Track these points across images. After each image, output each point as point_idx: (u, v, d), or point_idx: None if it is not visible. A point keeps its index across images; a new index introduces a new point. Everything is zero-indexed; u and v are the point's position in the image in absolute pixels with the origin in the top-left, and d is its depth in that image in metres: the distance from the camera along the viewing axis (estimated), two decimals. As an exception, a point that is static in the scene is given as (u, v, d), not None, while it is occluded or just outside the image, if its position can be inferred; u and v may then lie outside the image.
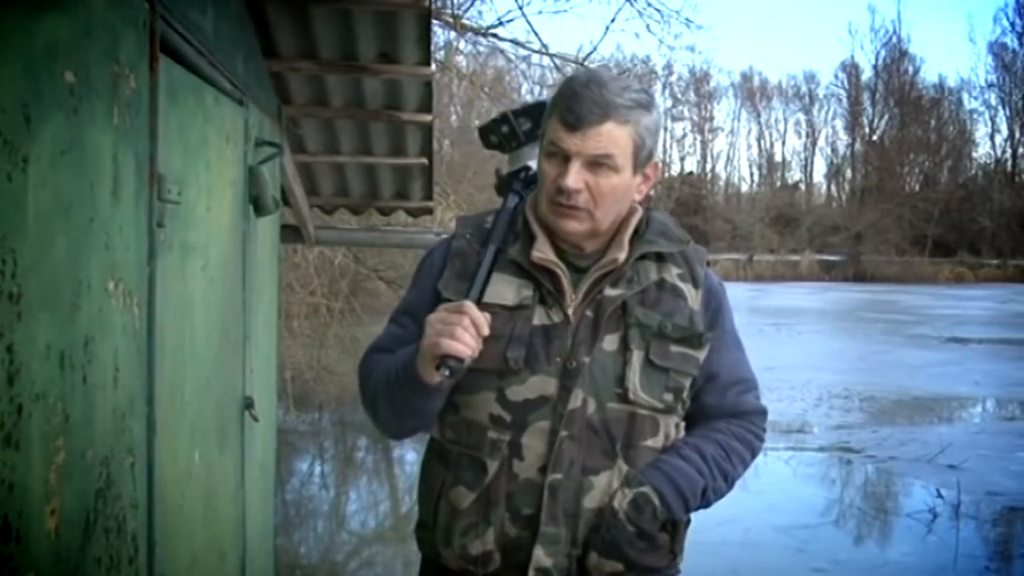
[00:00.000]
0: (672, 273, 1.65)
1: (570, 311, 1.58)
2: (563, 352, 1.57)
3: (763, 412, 1.76)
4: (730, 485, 1.69)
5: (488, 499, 1.57)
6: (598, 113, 1.51)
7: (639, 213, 1.66)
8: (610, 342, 1.59)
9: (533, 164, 1.69)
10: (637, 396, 1.58)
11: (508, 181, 1.70)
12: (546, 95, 1.79)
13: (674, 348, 1.61)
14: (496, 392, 1.57)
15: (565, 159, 1.54)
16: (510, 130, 1.72)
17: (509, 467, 1.57)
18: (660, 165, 1.68)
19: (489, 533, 1.57)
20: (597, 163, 1.53)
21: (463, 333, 1.43)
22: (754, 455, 1.73)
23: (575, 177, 1.53)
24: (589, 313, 1.59)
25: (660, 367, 1.60)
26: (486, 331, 1.46)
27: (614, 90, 1.53)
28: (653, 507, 1.58)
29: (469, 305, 1.47)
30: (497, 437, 1.57)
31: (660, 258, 1.65)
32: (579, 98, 1.52)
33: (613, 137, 1.53)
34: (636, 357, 1.59)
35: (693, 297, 1.65)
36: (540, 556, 1.56)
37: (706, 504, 1.66)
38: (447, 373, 1.45)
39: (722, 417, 1.70)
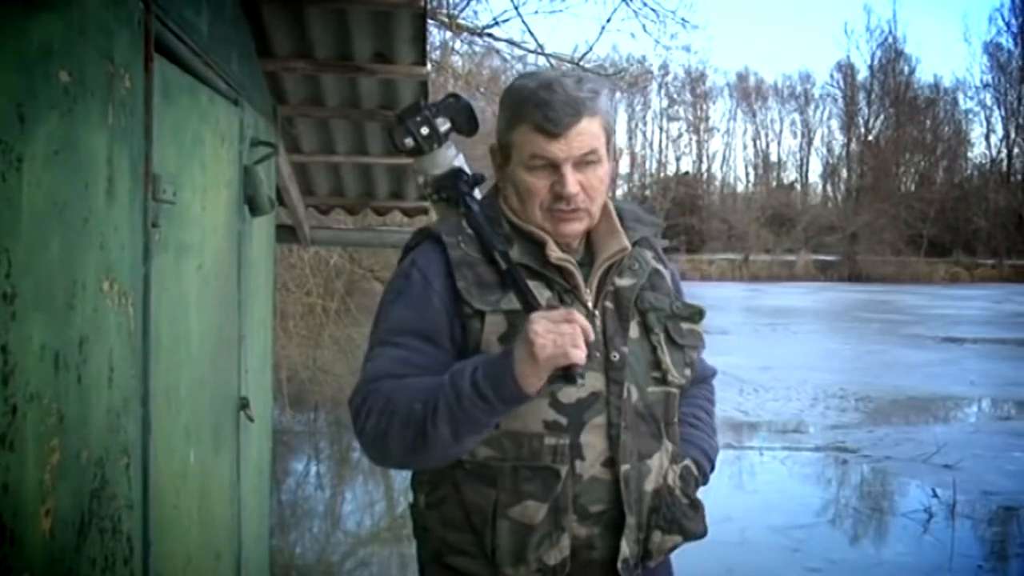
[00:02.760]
0: (649, 257, 1.70)
1: (590, 305, 1.60)
2: (598, 346, 1.58)
3: (715, 372, 1.94)
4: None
5: (558, 506, 1.56)
6: (572, 113, 1.52)
7: (610, 203, 1.67)
8: (632, 329, 1.62)
9: (459, 163, 1.67)
10: (673, 377, 1.65)
11: (452, 184, 1.65)
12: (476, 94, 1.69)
13: (685, 326, 1.69)
14: (548, 397, 1.55)
15: (554, 167, 1.54)
16: (431, 131, 1.65)
17: (573, 469, 1.56)
18: (618, 148, 1.70)
19: (564, 539, 1.56)
20: (585, 161, 1.55)
21: (581, 341, 1.42)
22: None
23: (572, 182, 1.54)
24: (610, 305, 1.61)
25: (679, 345, 1.67)
26: (592, 336, 1.45)
27: (573, 86, 1.54)
28: (695, 477, 1.72)
29: (575, 312, 1.44)
30: (556, 442, 1.55)
31: (635, 244, 1.69)
32: (550, 104, 1.51)
33: (592, 132, 1.54)
34: (663, 340, 1.65)
35: (669, 277, 1.73)
36: (623, 547, 1.59)
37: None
38: (581, 382, 1.45)
39: (695, 383, 1.80)
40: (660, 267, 1.72)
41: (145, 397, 1.78)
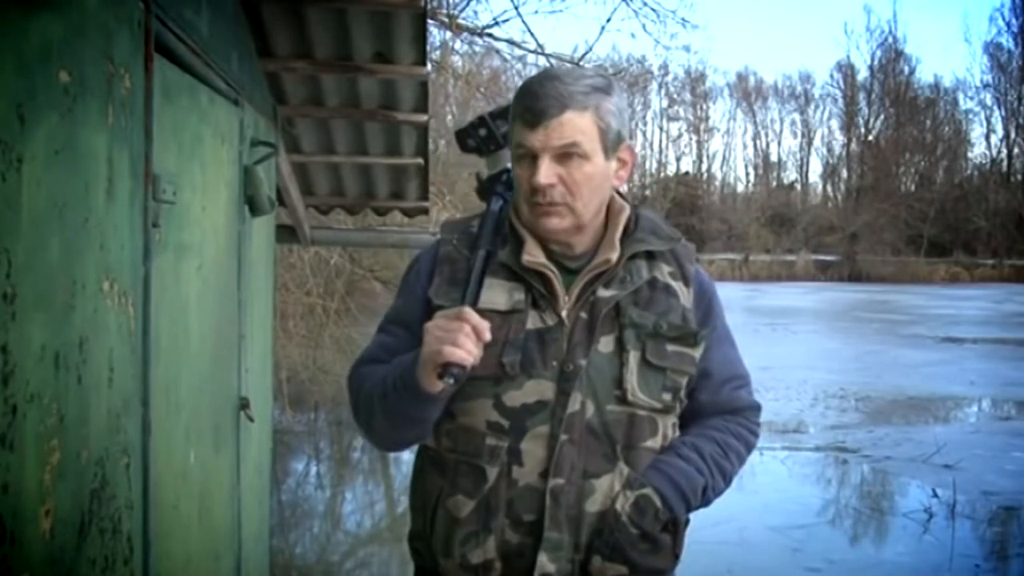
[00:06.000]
0: (663, 271, 1.65)
1: (564, 313, 1.57)
2: (559, 355, 1.55)
3: (757, 408, 1.76)
4: (728, 482, 1.68)
5: (488, 506, 1.55)
6: (556, 105, 1.51)
7: (627, 211, 1.65)
8: (606, 343, 1.58)
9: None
10: (636, 397, 1.57)
11: (490, 185, 1.68)
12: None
13: (670, 347, 1.61)
14: (493, 398, 1.55)
15: (534, 158, 1.53)
16: (488, 133, 1.70)
17: (509, 473, 1.55)
18: (634, 148, 1.66)
19: (490, 541, 1.56)
20: (565, 154, 1.52)
21: (465, 340, 1.41)
22: (749, 451, 1.73)
23: (546, 173, 1.52)
24: (583, 315, 1.58)
25: (657, 367, 1.59)
26: (487, 336, 1.44)
27: (568, 81, 1.54)
28: (655, 508, 1.58)
29: (468, 311, 1.44)
30: (496, 443, 1.55)
31: (650, 256, 1.64)
32: (536, 96, 1.52)
33: (575, 125, 1.52)
34: (632, 358, 1.58)
35: (685, 295, 1.65)
36: (544, 562, 1.54)
37: (706, 503, 1.66)
38: (451, 381, 1.42)
39: (717, 414, 1.70)
40: (675, 283, 1.65)
41: (145, 397, 1.78)
